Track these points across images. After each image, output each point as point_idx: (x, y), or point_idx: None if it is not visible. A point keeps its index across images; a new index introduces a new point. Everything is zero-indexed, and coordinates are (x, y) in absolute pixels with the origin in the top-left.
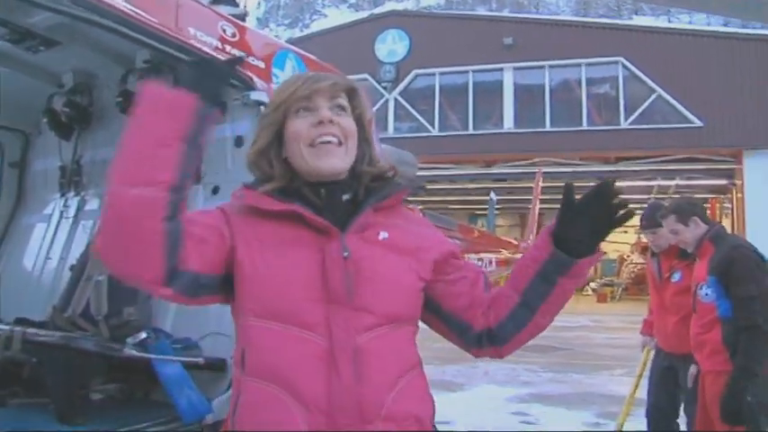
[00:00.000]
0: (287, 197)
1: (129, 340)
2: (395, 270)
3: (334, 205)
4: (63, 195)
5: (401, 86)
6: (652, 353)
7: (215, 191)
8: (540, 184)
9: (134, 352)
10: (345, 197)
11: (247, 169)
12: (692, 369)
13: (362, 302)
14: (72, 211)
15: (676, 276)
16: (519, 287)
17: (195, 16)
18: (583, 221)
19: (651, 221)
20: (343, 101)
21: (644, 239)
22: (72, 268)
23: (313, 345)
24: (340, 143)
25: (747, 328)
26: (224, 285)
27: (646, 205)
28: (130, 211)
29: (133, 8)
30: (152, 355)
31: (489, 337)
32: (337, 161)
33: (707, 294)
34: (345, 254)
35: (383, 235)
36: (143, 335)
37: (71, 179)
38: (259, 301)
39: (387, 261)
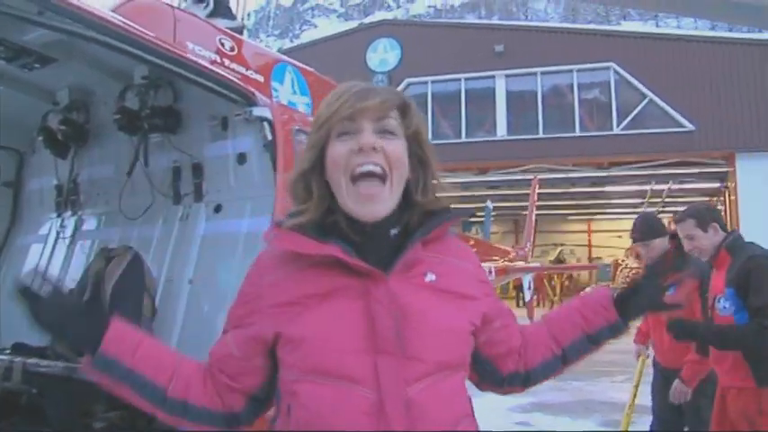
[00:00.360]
0: (324, 234)
1: None
2: (444, 315)
3: (380, 241)
4: (59, 215)
5: None
6: (648, 360)
7: (217, 209)
8: (537, 190)
9: None
10: (394, 232)
11: (289, 195)
12: (676, 384)
13: (413, 351)
14: (69, 231)
15: (670, 290)
16: (562, 342)
17: (193, 30)
18: (641, 295)
19: (644, 233)
20: (394, 120)
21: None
22: (71, 292)
23: (361, 399)
24: (384, 175)
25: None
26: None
27: (637, 214)
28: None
29: (130, 23)
30: None
31: (516, 379)
32: (380, 208)
33: (725, 308)
34: (392, 297)
35: (430, 277)
36: None
37: (68, 198)
38: (303, 359)
39: (435, 305)
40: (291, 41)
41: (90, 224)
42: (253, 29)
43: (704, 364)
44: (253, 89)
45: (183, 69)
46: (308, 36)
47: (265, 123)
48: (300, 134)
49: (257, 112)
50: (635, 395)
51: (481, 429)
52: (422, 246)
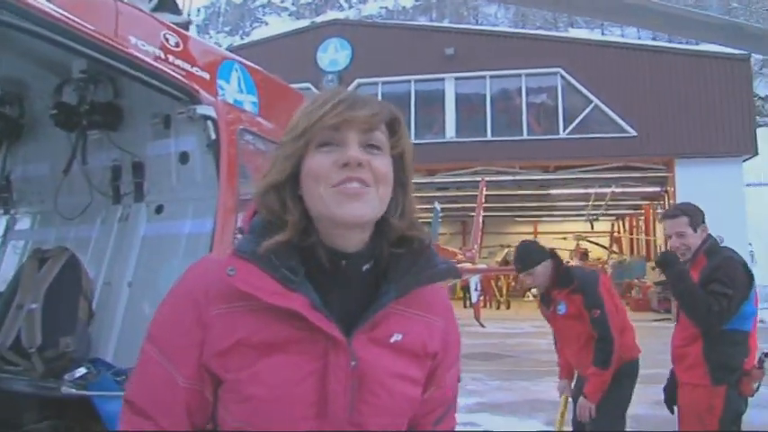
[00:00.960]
0: (293, 268)
1: (67, 377)
2: (401, 381)
3: (352, 281)
4: None
5: None
6: (570, 399)
7: (158, 210)
8: (484, 192)
9: (73, 390)
10: (366, 267)
11: (256, 205)
12: (580, 402)
13: (359, 419)
14: (0, 231)
15: (561, 308)
16: None
17: (136, 24)
18: None
19: (526, 263)
20: (382, 136)
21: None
22: (0, 295)
23: None
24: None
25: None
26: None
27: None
28: None
29: (68, 14)
30: (93, 393)
31: None
32: (365, 209)
33: None
34: (353, 363)
35: (396, 338)
36: (82, 370)
37: (0, 196)
38: (249, 415)
39: (394, 370)
40: (242, 39)
41: (23, 224)
42: (202, 25)
43: (604, 376)
44: (197, 87)
45: (123, 64)
46: (258, 34)
47: (209, 122)
48: (246, 134)
49: (201, 110)
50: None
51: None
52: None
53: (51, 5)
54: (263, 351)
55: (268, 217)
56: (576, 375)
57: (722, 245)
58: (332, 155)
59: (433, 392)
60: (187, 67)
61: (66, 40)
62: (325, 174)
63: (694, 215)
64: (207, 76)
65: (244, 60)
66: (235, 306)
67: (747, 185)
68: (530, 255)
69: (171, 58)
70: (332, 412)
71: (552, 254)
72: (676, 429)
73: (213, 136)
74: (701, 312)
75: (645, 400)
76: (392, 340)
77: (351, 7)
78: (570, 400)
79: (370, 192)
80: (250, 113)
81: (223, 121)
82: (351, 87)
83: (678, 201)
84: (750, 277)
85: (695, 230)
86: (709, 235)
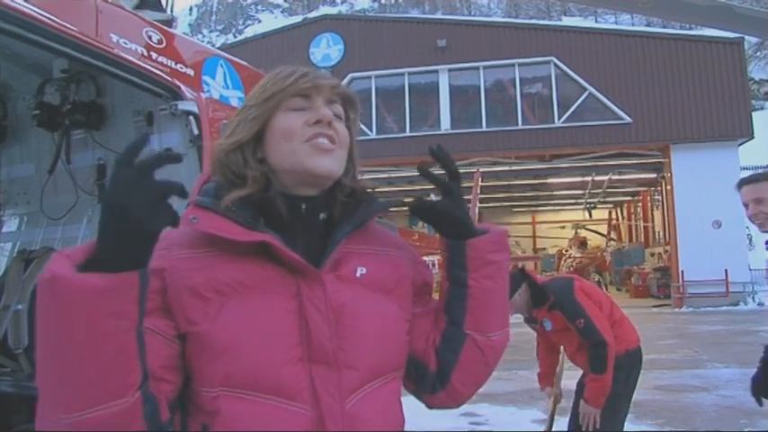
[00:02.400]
0: (253, 217)
1: None
2: (379, 314)
3: (311, 228)
4: None
5: None
6: (561, 398)
7: None
8: (480, 183)
9: None
10: (322, 216)
11: (213, 168)
12: (582, 407)
13: (347, 359)
14: None
15: (547, 325)
16: (442, 305)
17: (117, 22)
18: (440, 206)
19: None
20: (340, 108)
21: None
22: None
23: (299, 417)
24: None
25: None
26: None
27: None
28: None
29: (46, 14)
30: None
31: (439, 378)
32: (335, 164)
33: None
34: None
35: (361, 271)
36: None
37: None
38: (225, 371)
39: (369, 304)
40: (235, 37)
41: (10, 225)
42: (195, 24)
43: (603, 380)
44: (179, 83)
45: (104, 62)
46: (252, 31)
47: (191, 118)
48: None
49: (183, 106)
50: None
51: (426, 424)
52: (347, 238)
53: (29, 6)
54: (232, 294)
55: (228, 176)
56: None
57: (718, 229)
58: (302, 115)
59: (429, 307)
60: (171, 63)
61: (45, 40)
62: (299, 130)
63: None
64: (191, 72)
65: (230, 56)
66: (197, 251)
67: (743, 169)
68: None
69: (154, 55)
70: (317, 347)
71: (524, 274)
72: (672, 414)
73: (196, 131)
74: None
75: (644, 386)
76: (358, 274)
77: (343, 2)
78: (560, 395)
79: (337, 150)
80: (235, 108)
81: (205, 116)
82: (344, 82)
83: (675, 186)
84: None
85: None
86: None
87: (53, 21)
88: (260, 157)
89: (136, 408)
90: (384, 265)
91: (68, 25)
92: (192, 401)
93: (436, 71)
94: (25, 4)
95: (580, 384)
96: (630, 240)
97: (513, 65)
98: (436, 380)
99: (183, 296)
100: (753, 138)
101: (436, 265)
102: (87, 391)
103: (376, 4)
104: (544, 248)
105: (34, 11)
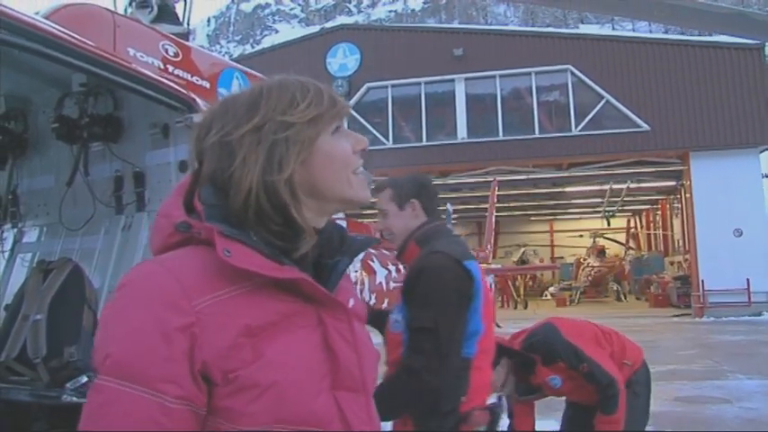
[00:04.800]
0: (270, 246)
1: (69, 386)
2: (371, 343)
3: (308, 255)
4: None
5: (354, 100)
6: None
7: None
8: (496, 192)
9: (74, 398)
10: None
11: (239, 198)
12: None
13: (367, 384)
14: (8, 245)
15: (556, 382)
16: None
17: (134, 37)
18: None
19: None
20: None
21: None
22: (7, 308)
23: None
24: None
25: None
26: None
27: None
28: None
29: (65, 31)
30: None
31: None
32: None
33: (396, 321)
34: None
35: (351, 302)
36: (84, 379)
37: (7, 210)
38: (272, 408)
39: (364, 333)
40: (252, 47)
41: (30, 236)
42: (213, 35)
43: (615, 419)
44: (194, 96)
45: (120, 77)
46: (269, 42)
47: None
48: None
49: (198, 118)
50: None
51: None
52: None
53: (48, 22)
54: (265, 335)
55: (262, 211)
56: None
57: (739, 237)
58: (347, 140)
59: None
60: (187, 76)
61: (63, 56)
62: (352, 159)
63: (399, 187)
64: (207, 84)
65: (245, 68)
66: (222, 294)
67: (765, 176)
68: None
69: (170, 68)
70: (345, 375)
71: (503, 350)
72: (693, 426)
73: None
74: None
75: (664, 397)
76: (350, 305)
77: (360, 12)
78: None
79: None
80: None
81: None
82: (361, 91)
83: (695, 194)
84: (464, 280)
85: (402, 208)
86: (430, 219)
87: (72, 37)
88: (306, 187)
89: None
90: (357, 297)
91: (86, 41)
92: None
93: (453, 80)
94: (45, 21)
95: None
96: (650, 249)
97: (529, 73)
98: None
99: (217, 350)
100: None
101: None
102: None
103: (392, 14)
104: (562, 257)
105: (54, 27)
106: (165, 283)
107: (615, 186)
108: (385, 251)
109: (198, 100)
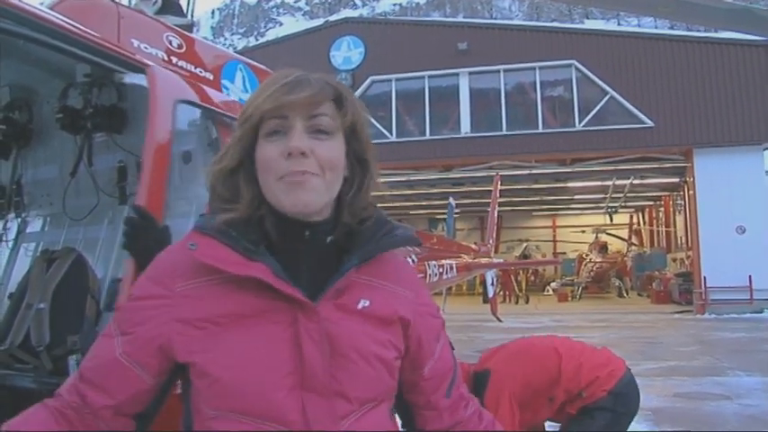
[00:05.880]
0: (255, 239)
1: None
2: (373, 344)
3: (318, 252)
4: (2, 217)
5: (357, 93)
6: None
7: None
8: (499, 187)
9: None
10: (330, 239)
11: (209, 192)
12: None
13: (340, 389)
14: (12, 234)
15: None
16: None
17: (139, 28)
18: None
19: None
20: (327, 117)
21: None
22: (11, 296)
23: None
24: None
25: None
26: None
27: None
28: None
29: (69, 21)
30: None
31: None
32: (311, 196)
33: None
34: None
35: (363, 303)
36: None
37: (11, 200)
38: (223, 397)
39: (364, 334)
40: (257, 39)
41: (34, 226)
42: (217, 27)
43: None
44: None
45: (126, 68)
46: (273, 34)
47: (210, 121)
48: None
49: (130, 78)
50: None
51: None
52: (356, 268)
53: (53, 13)
54: (229, 325)
55: (216, 203)
56: None
57: (742, 234)
58: (279, 144)
59: (434, 365)
60: (191, 68)
61: (67, 46)
62: (274, 165)
63: None
64: (211, 76)
65: (249, 60)
66: (198, 281)
67: None
68: None
69: (174, 59)
70: (310, 376)
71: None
72: (692, 422)
73: (214, 134)
74: None
75: (664, 393)
76: (359, 306)
77: (364, 5)
78: None
79: (314, 179)
80: None
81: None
82: (364, 84)
83: (698, 190)
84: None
85: None
86: None
87: (76, 27)
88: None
89: None
90: (388, 301)
91: (91, 31)
92: (193, 418)
93: (457, 74)
94: (50, 11)
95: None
96: (652, 245)
97: (533, 68)
98: None
99: (184, 329)
100: None
101: (454, 268)
102: None
103: (397, 8)
104: (564, 253)
105: (58, 18)
106: (163, 263)
107: (618, 182)
108: None
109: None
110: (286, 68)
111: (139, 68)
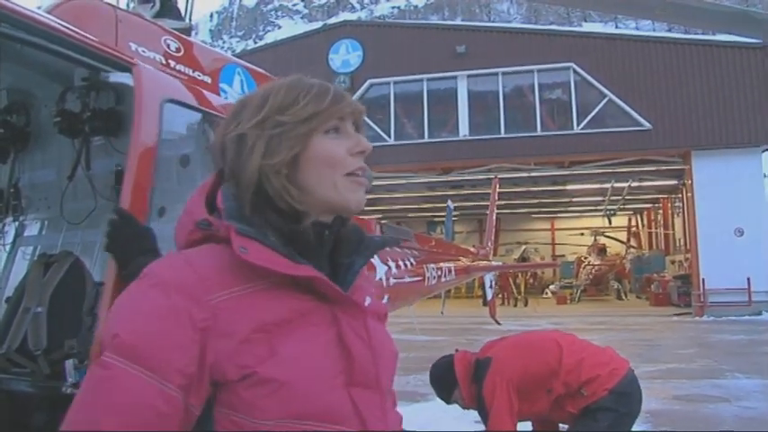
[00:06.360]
0: (286, 245)
1: (69, 377)
2: (389, 340)
3: (324, 250)
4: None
5: (356, 96)
6: None
7: (161, 213)
8: (497, 190)
9: (74, 390)
10: (326, 234)
11: (243, 187)
12: None
13: (383, 382)
14: (10, 238)
15: None
16: None
17: (137, 31)
18: None
19: (444, 390)
20: (362, 129)
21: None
22: (8, 300)
23: None
24: None
25: None
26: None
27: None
28: None
29: (66, 25)
30: None
31: None
32: (365, 198)
33: None
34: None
35: (368, 301)
36: (84, 371)
37: (8, 204)
38: (286, 403)
39: (381, 330)
40: (255, 42)
41: (32, 230)
42: (215, 30)
43: None
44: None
45: (111, 66)
46: (271, 37)
47: (207, 125)
48: None
49: (115, 78)
50: None
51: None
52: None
53: (50, 16)
54: (279, 331)
55: (261, 199)
56: None
57: (740, 236)
58: (342, 142)
59: None
60: (189, 71)
61: (65, 50)
62: (341, 161)
63: None
64: (209, 80)
65: (247, 64)
66: (238, 290)
67: (767, 176)
68: (441, 380)
69: (172, 63)
70: (361, 372)
71: (451, 367)
72: (690, 424)
73: (163, 123)
74: None
75: (663, 396)
76: (366, 304)
77: (363, 8)
78: None
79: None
80: None
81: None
82: (363, 87)
83: (696, 193)
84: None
85: None
86: None
87: (73, 31)
88: (298, 183)
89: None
90: (374, 297)
91: (89, 35)
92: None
93: (455, 77)
94: (47, 15)
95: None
96: (651, 248)
97: (532, 71)
98: None
99: (230, 345)
100: None
101: (453, 271)
102: None
103: (395, 11)
104: (563, 255)
105: (56, 22)
106: (185, 274)
107: (617, 185)
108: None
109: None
110: (300, 75)
111: (126, 67)
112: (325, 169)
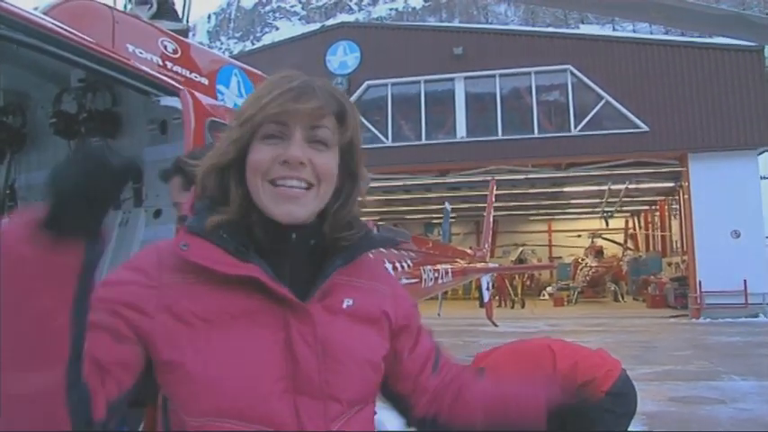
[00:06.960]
0: (243, 241)
1: None
2: (362, 346)
3: (300, 254)
4: None
5: (353, 98)
6: None
7: (157, 214)
8: (494, 192)
9: None
10: (312, 242)
11: (197, 188)
12: None
13: (332, 391)
14: None
15: None
16: (493, 419)
17: (134, 33)
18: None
19: None
20: (328, 130)
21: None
22: None
23: None
24: (309, 187)
25: None
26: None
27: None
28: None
29: (64, 26)
30: None
31: (433, 425)
32: (300, 211)
33: None
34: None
35: (347, 302)
36: None
37: (5, 205)
38: (212, 402)
39: (353, 336)
40: (253, 44)
41: None
42: (213, 31)
43: None
44: (193, 92)
45: (120, 73)
46: (269, 39)
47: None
48: None
49: (169, 102)
50: None
51: None
52: (338, 270)
53: (47, 18)
54: (218, 323)
55: (202, 199)
56: None
57: (737, 239)
58: (275, 148)
59: (417, 350)
60: (185, 73)
61: (62, 51)
62: (265, 168)
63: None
64: (206, 81)
65: (244, 65)
66: (186, 279)
67: (763, 178)
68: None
69: (169, 64)
70: (304, 380)
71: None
72: (686, 426)
73: (209, 139)
74: None
75: (659, 398)
76: (345, 306)
77: (360, 10)
78: None
79: (308, 194)
80: None
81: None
82: (360, 89)
83: (693, 195)
84: None
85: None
86: None
87: (71, 33)
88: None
89: (57, 389)
90: (370, 298)
91: (86, 37)
92: (172, 428)
93: (452, 79)
94: (44, 17)
95: None
96: (648, 250)
97: (529, 73)
98: (429, 425)
99: (170, 322)
100: None
101: (450, 273)
102: (4, 350)
103: (393, 12)
104: (560, 257)
105: (53, 23)
106: (149, 258)
107: (614, 187)
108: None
109: (196, 96)
110: (287, 70)
111: (173, 92)
112: (251, 175)
